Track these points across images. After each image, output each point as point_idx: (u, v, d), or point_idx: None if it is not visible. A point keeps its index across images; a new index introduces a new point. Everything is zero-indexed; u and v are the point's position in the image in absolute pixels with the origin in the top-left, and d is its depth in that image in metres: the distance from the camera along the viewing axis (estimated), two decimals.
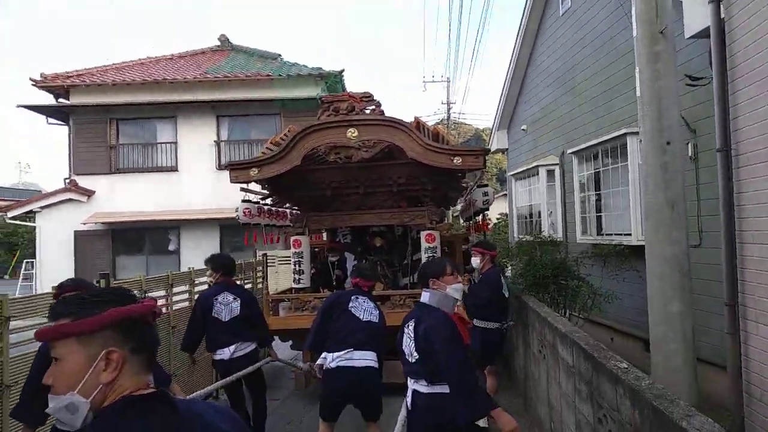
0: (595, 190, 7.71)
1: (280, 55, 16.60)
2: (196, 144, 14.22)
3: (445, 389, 2.75)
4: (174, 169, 14.28)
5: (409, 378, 2.97)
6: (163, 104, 13.98)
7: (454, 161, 5.22)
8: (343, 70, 14.69)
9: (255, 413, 4.56)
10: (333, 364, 3.71)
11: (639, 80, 4.67)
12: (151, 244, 14.36)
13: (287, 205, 7.28)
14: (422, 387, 2.87)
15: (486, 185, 7.25)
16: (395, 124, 5.28)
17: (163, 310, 5.35)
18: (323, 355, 3.81)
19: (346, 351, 3.71)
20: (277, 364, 6.02)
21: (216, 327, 4.34)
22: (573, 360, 3.44)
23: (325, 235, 7.94)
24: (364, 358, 3.72)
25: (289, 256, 6.63)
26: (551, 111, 9.52)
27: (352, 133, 5.33)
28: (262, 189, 6.49)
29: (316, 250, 7.41)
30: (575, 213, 8.21)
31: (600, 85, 7.57)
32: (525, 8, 9.99)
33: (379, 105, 5.61)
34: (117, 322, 1.15)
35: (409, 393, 2.96)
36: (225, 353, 4.33)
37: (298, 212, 6.87)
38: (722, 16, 3.91)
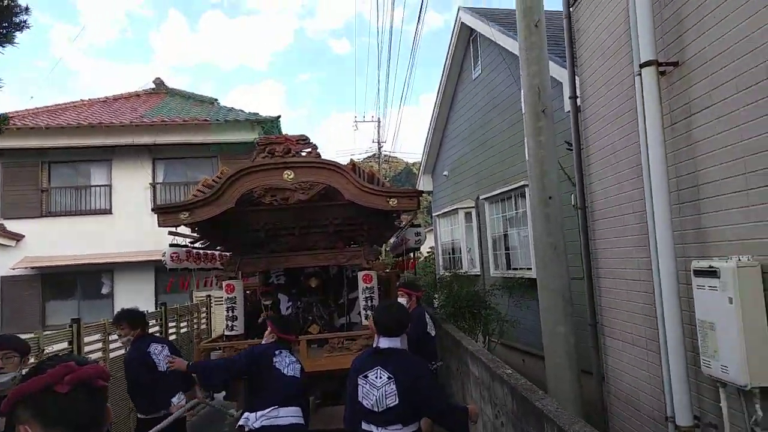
0: (504, 231, 8.95)
1: (216, 100, 17.22)
2: (132, 187, 14.45)
3: (416, 428, 2.92)
4: (108, 211, 14.39)
5: (370, 425, 2.91)
6: (98, 148, 14.16)
7: (390, 203, 5.31)
8: (279, 117, 15.50)
9: None
10: (257, 425, 3.54)
11: (526, 148, 5.87)
12: (83, 289, 14.27)
13: (218, 248, 7.18)
14: (394, 431, 2.90)
15: (419, 225, 7.46)
16: (331, 166, 5.32)
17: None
18: (245, 415, 3.63)
19: (270, 409, 3.56)
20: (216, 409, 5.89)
21: (156, 381, 4.15)
22: (478, 372, 4.40)
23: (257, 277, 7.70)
24: (290, 415, 3.59)
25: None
26: (468, 160, 10.83)
27: (288, 175, 5.28)
28: (192, 232, 6.31)
29: (247, 291, 7.19)
30: (489, 250, 9.42)
31: (505, 142, 8.90)
32: (443, 71, 11.39)
33: (315, 147, 5.63)
34: (21, 400, 1.10)
35: None
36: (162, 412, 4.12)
37: (230, 255, 6.69)
38: (578, 104, 5.17)
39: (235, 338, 5.98)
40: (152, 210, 5.64)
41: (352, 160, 6.33)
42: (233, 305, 5.99)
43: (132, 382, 4.27)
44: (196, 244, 6.74)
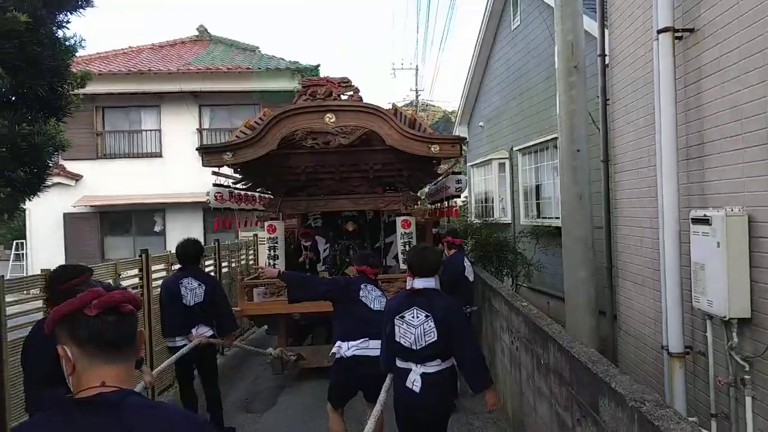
0: (536, 181, 9.28)
1: (258, 48, 17.58)
2: (180, 131, 15.19)
3: (451, 363, 3.11)
4: (159, 155, 15.26)
5: (408, 363, 3.07)
6: (148, 94, 14.87)
7: (432, 149, 5.23)
8: (318, 65, 15.80)
9: (209, 403, 4.53)
10: (349, 353, 3.66)
11: (558, 102, 6.14)
12: (137, 226, 15.37)
13: (259, 189, 7.26)
14: (432, 367, 3.05)
15: (460, 173, 7.26)
16: (373, 110, 5.22)
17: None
18: (337, 343, 3.75)
19: (362, 340, 3.67)
20: (245, 363, 6.37)
21: (178, 311, 4.35)
22: (499, 306, 4.94)
23: (295, 219, 7.80)
24: (378, 348, 3.59)
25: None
26: (503, 112, 11.03)
27: (329, 118, 5.20)
28: (234, 173, 6.44)
29: (287, 233, 7.15)
30: (520, 200, 9.79)
31: (541, 94, 9.07)
32: (482, 21, 11.43)
33: (357, 91, 5.52)
34: (58, 321, 1.21)
35: (412, 377, 3.04)
36: (183, 341, 4.33)
37: (271, 197, 6.79)
38: (606, 62, 5.39)
39: None
40: (196, 150, 5.72)
41: (394, 104, 6.18)
42: (275, 245, 6.19)
43: (160, 306, 4.68)
44: (239, 185, 6.84)
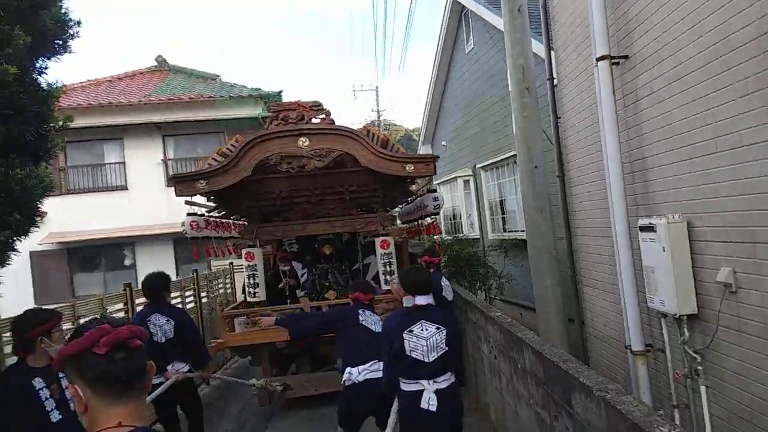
0: (500, 197, 9.70)
1: (218, 76, 17.72)
2: (144, 163, 15.12)
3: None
4: (124, 187, 15.14)
5: (418, 381, 3.13)
6: (110, 127, 14.80)
7: (407, 168, 5.27)
8: (281, 91, 16.05)
9: None
10: (361, 378, 3.68)
11: (513, 122, 6.54)
12: (107, 261, 15.16)
13: (233, 216, 7.19)
14: (444, 382, 3.15)
15: (435, 191, 7.18)
16: (347, 133, 5.27)
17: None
18: (348, 370, 3.76)
19: (371, 363, 3.69)
20: (231, 391, 6.21)
21: (152, 350, 4.02)
22: (475, 318, 5.22)
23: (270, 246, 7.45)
24: None
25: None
26: (464, 130, 11.48)
27: (303, 142, 5.20)
28: (208, 201, 6.39)
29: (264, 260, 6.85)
30: (486, 215, 10.20)
31: (498, 113, 9.54)
32: (438, 44, 11.93)
33: (329, 114, 5.56)
34: (66, 359, 1.18)
35: (426, 396, 3.09)
36: (160, 378, 4.18)
37: (246, 223, 6.75)
38: (555, 84, 5.83)
39: (258, 304, 6.12)
40: (169, 179, 5.64)
41: (366, 126, 6.33)
42: (254, 272, 6.08)
43: None
44: (213, 213, 6.74)
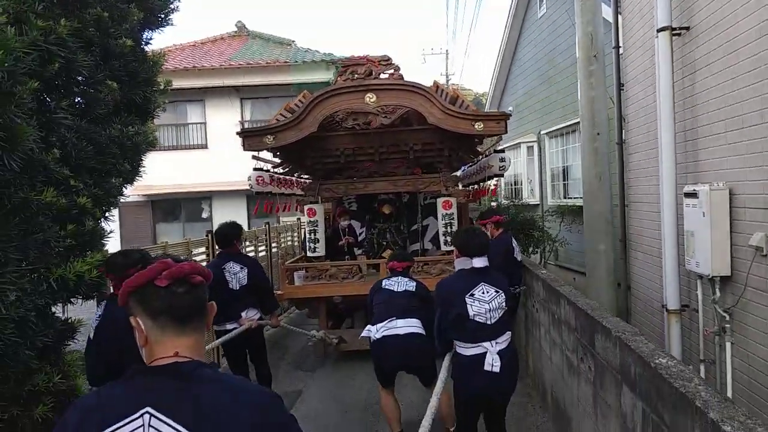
0: (562, 163, 9.76)
1: (293, 41, 18.34)
2: (223, 124, 16.15)
3: None
4: (204, 146, 16.29)
5: (480, 344, 3.08)
6: (193, 89, 15.84)
7: (476, 127, 5.08)
8: (352, 56, 16.45)
9: (260, 381, 4.50)
10: (378, 335, 3.74)
11: (579, 89, 6.64)
12: (186, 213, 16.49)
13: (296, 174, 7.27)
14: (504, 342, 3.13)
15: (503, 151, 6.90)
16: (415, 88, 5.10)
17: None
18: (367, 328, 3.87)
19: (388, 320, 3.73)
20: (294, 333, 6.23)
21: (227, 296, 4.19)
22: (529, 279, 5.54)
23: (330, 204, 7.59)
24: (408, 326, 3.72)
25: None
26: (531, 96, 11.47)
27: (370, 98, 5.08)
28: (274, 156, 6.42)
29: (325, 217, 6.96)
30: (547, 182, 10.29)
31: (566, 80, 9.51)
32: (510, 9, 11.84)
33: (397, 69, 5.37)
34: (130, 291, 1.21)
35: (490, 358, 3.05)
36: (233, 325, 4.28)
37: (309, 181, 6.77)
38: (620, 52, 5.88)
39: (317, 259, 6.25)
40: (237, 134, 5.74)
41: (435, 81, 5.74)
42: (315, 228, 6.20)
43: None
44: (278, 170, 6.84)
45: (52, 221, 3.18)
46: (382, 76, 5.31)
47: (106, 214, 3.95)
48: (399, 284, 3.91)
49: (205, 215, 16.56)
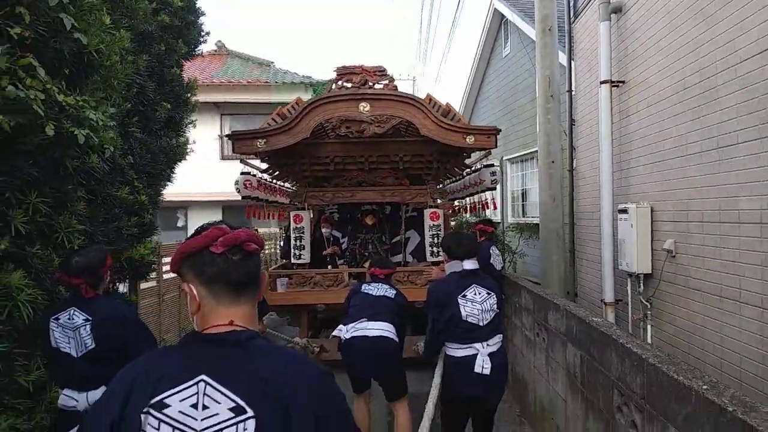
0: (522, 186, 10.94)
1: (272, 62, 19.23)
2: (203, 137, 16.78)
3: None
4: (182, 158, 16.87)
5: (472, 345, 3.08)
6: None
7: (467, 140, 5.14)
8: (330, 80, 17.45)
9: None
10: (348, 335, 3.69)
11: (537, 123, 7.77)
12: (163, 221, 16.93)
13: (279, 181, 7.24)
14: (495, 345, 3.14)
15: (493, 164, 6.95)
16: (409, 99, 5.16)
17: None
18: (339, 327, 3.81)
19: (359, 321, 3.68)
20: (278, 338, 6.10)
21: None
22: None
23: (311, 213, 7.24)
24: (378, 328, 3.65)
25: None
26: (495, 125, 12.67)
27: (364, 107, 5.09)
28: (262, 161, 6.38)
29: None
30: (508, 202, 11.46)
31: (527, 113, 10.72)
32: (478, 45, 13.13)
33: (392, 80, 5.43)
34: (185, 257, 1.21)
35: (480, 360, 3.04)
36: None
37: (293, 189, 6.72)
38: (572, 95, 7.06)
39: (302, 266, 6.20)
40: (226, 136, 5.83)
41: (428, 94, 5.82)
42: (301, 235, 6.12)
43: None
44: (265, 175, 6.81)
45: (124, 213, 3.97)
46: (377, 86, 5.40)
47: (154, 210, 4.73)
48: (378, 290, 3.87)
49: (180, 224, 17.05)
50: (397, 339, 3.69)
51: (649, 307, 4.64)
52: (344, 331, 3.73)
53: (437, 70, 72.84)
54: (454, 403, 3.22)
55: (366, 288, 3.92)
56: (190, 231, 5.69)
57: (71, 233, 3.07)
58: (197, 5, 5.43)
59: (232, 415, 1.07)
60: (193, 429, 1.07)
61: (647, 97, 4.81)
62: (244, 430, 1.06)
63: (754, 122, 3.39)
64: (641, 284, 4.72)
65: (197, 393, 1.10)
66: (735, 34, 3.64)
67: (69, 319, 2.57)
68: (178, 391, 1.10)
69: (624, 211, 4.85)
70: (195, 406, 1.09)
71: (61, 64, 2.83)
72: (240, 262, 1.20)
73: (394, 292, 3.90)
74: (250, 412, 1.07)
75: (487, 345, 3.09)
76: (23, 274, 2.62)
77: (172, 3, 4.55)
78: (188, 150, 5.33)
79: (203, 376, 1.11)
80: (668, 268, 4.35)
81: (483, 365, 3.04)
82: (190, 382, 1.10)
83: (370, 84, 5.37)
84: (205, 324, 1.21)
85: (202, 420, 1.08)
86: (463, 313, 3.10)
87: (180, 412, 1.08)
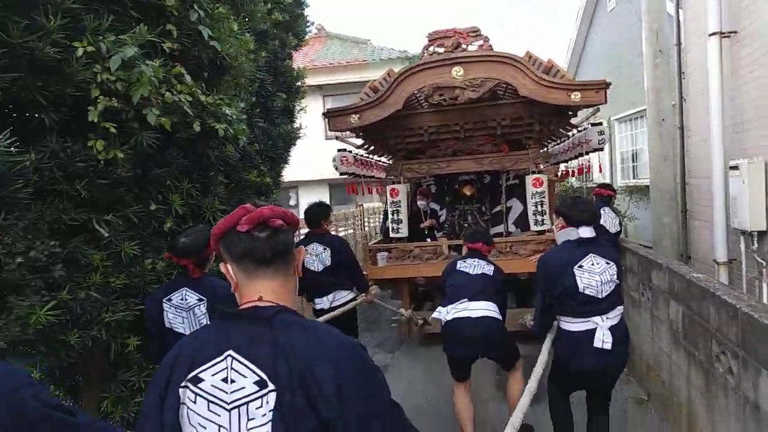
0: (631, 147, 10.49)
1: (369, 40, 19.69)
2: (307, 119, 17.75)
3: None
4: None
5: (589, 319, 2.90)
6: None
7: (572, 97, 4.80)
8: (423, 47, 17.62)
9: None
10: (449, 317, 3.54)
11: (645, 79, 7.45)
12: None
13: (375, 156, 7.19)
14: (616, 318, 2.94)
15: (600, 123, 6.46)
16: (506, 59, 4.85)
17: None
18: (438, 309, 3.67)
19: (459, 302, 3.53)
20: (375, 318, 6.46)
21: (310, 278, 4.20)
22: None
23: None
24: (481, 308, 3.49)
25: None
26: None
27: (457, 72, 4.90)
28: (357, 137, 6.31)
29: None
30: (617, 163, 11.05)
31: (634, 69, 10.18)
32: (579, 6, 12.58)
33: (487, 40, 5.13)
34: (217, 238, 1.27)
35: (600, 334, 2.86)
36: (324, 302, 4.31)
37: (390, 162, 6.64)
38: (682, 47, 6.69)
39: (399, 240, 6.12)
40: (322, 115, 5.84)
41: (528, 51, 5.46)
42: (398, 209, 6.04)
43: None
44: (361, 151, 6.76)
45: (254, 194, 4.57)
46: (470, 48, 5.12)
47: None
48: (475, 267, 3.67)
49: (292, 202, 18.30)
50: (500, 317, 3.53)
51: (764, 264, 4.47)
52: (444, 313, 3.58)
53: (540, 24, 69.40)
54: (571, 379, 3.06)
55: (461, 266, 3.70)
56: (302, 209, 5.66)
57: (214, 212, 3.69)
58: None
59: (257, 388, 1.13)
60: (224, 401, 1.14)
61: (760, 47, 4.54)
62: (266, 403, 1.11)
63: None
64: (755, 242, 4.54)
65: (226, 368, 1.16)
66: None
67: (182, 299, 2.62)
68: (210, 366, 1.17)
69: (735, 167, 4.66)
70: (225, 380, 1.15)
71: (200, 69, 3.39)
72: (266, 239, 1.24)
73: (492, 268, 3.69)
74: (271, 386, 1.12)
75: (607, 318, 2.89)
76: None
77: (283, 1, 5.04)
78: (301, 134, 5.87)
79: (231, 352, 1.17)
80: None
81: (604, 339, 2.85)
82: (220, 358, 1.17)
83: (464, 47, 5.09)
84: (241, 300, 1.27)
85: (231, 393, 1.14)
86: (581, 285, 2.88)
87: (212, 386, 1.16)
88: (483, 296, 3.53)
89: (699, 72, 6.06)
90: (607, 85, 4.94)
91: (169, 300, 2.63)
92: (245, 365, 1.15)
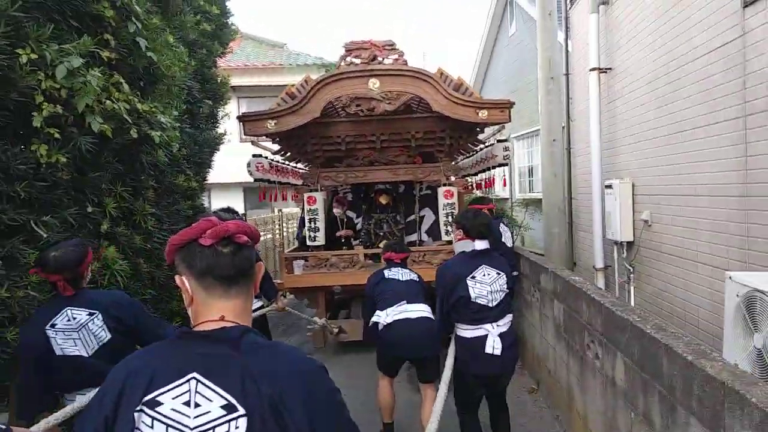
0: (528, 163, 11.52)
1: (285, 44, 19.76)
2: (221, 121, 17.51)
3: None
4: None
5: (482, 326, 3.09)
6: None
7: (480, 115, 5.01)
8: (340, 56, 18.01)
9: None
10: (389, 320, 3.65)
11: (539, 103, 8.32)
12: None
13: (291, 163, 7.18)
14: (505, 325, 3.14)
15: (506, 140, 6.57)
16: (420, 74, 5.02)
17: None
18: (377, 313, 3.75)
19: (398, 305, 3.68)
20: (293, 322, 6.46)
21: None
22: None
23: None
24: (418, 310, 3.69)
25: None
26: None
27: (374, 83, 5.00)
28: (273, 143, 6.28)
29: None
30: (516, 178, 12.07)
31: (532, 91, 11.22)
32: (486, 24, 13.60)
33: (402, 54, 5.29)
34: (176, 248, 1.18)
35: (490, 341, 3.05)
36: None
37: (306, 169, 6.69)
38: (569, 78, 7.61)
39: (316, 248, 6.15)
40: (237, 118, 5.69)
41: (440, 68, 5.58)
42: (315, 216, 6.04)
43: None
44: (277, 157, 6.75)
45: (181, 198, 4.71)
46: (386, 61, 5.25)
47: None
48: (402, 274, 3.91)
49: (205, 206, 17.92)
50: (433, 318, 3.66)
51: (631, 271, 5.31)
52: (384, 317, 3.70)
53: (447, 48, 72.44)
54: (468, 381, 3.26)
55: (389, 274, 3.92)
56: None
57: (144, 215, 3.82)
58: (227, 7, 6.08)
59: (224, 413, 1.08)
60: (186, 426, 1.08)
61: (628, 84, 5.40)
62: (236, 428, 1.06)
63: (705, 111, 4.02)
64: (624, 251, 5.38)
65: (189, 391, 1.10)
66: (692, 34, 4.24)
67: (68, 320, 2.39)
68: (171, 389, 1.10)
69: (609, 186, 5.50)
70: (187, 403, 1.09)
71: (136, 78, 3.53)
72: (230, 255, 1.17)
73: (416, 274, 3.97)
74: (241, 410, 1.07)
75: (497, 326, 3.10)
76: (115, 249, 3.38)
77: (210, 11, 5.20)
78: (225, 140, 6.02)
79: (194, 374, 1.10)
80: (645, 236, 5.01)
81: (494, 345, 3.06)
82: (182, 380, 1.10)
83: (380, 59, 5.24)
84: (197, 318, 1.19)
85: (194, 418, 1.08)
86: (473, 295, 3.09)
87: (173, 409, 1.09)
88: (419, 299, 3.77)
89: (582, 99, 6.95)
90: (512, 104, 5.28)
91: (53, 326, 2.38)
92: (211, 389, 1.10)
